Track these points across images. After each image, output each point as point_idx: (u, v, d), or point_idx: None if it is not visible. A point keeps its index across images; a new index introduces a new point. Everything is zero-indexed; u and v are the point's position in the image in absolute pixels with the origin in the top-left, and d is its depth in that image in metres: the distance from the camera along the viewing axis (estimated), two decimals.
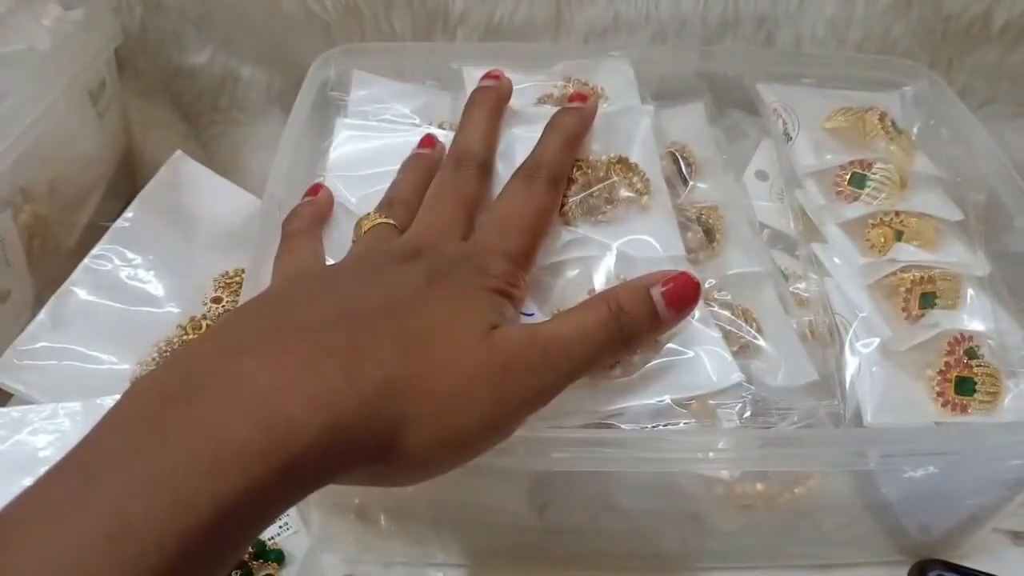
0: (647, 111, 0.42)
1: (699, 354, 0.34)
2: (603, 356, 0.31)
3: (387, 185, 0.38)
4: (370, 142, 0.42)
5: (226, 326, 0.27)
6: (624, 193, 0.38)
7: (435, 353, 0.27)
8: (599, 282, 0.36)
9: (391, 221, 0.35)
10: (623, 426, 0.33)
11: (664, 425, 0.33)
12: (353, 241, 0.35)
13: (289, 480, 0.23)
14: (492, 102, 0.39)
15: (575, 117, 0.38)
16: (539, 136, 0.37)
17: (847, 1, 0.54)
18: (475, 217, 0.35)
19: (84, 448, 0.23)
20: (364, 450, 0.25)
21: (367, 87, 0.46)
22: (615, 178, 0.38)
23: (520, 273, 0.32)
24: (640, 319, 0.31)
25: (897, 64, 0.51)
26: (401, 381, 0.25)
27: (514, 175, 0.35)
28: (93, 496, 0.21)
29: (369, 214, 0.35)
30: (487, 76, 0.41)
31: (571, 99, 0.40)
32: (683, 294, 0.32)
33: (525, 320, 0.33)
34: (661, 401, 0.33)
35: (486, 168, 0.37)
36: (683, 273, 0.32)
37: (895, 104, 0.48)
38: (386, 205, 0.37)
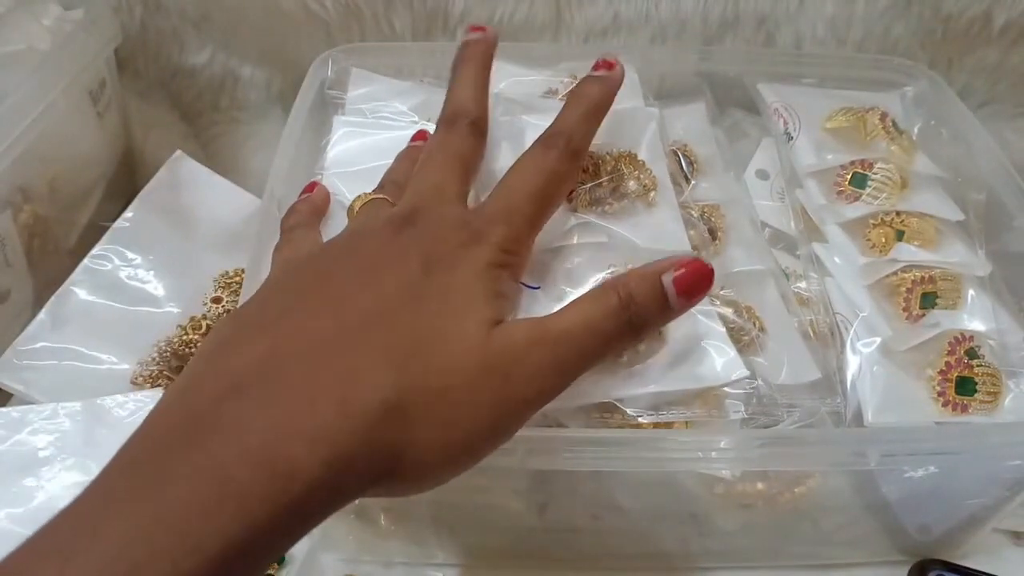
0: (653, 114, 0.42)
1: (705, 347, 0.34)
2: (611, 350, 0.30)
3: None
4: (367, 138, 0.42)
5: (225, 349, 0.27)
6: (632, 186, 0.37)
7: (432, 366, 0.26)
8: (604, 269, 0.35)
9: (383, 196, 0.34)
10: (628, 410, 0.32)
11: (669, 413, 0.33)
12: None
13: (296, 516, 0.23)
14: (480, 57, 0.37)
15: (601, 86, 0.35)
16: (550, 123, 0.35)
17: (847, 1, 0.54)
18: (471, 174, 0.34)
19: (93, 490, 0.23)
20: (368, 475, 0.25)
21: (365, 85, 0.46)
22: (624, 171, 0.37)
23: (521, 238, 0.30)
24: (650, 308, 0.29)
25: (897, 64, 0.51)
26: (399, 402, 0.25)
27: (532, 144, 0.33)
28: (101, 539, 0.21)
29: (361, 195, 0.35)
30: (472, 29, 0.38)
31: (596, 67, 0.36)
32: (695, 281, 0.30)
33: (528, 292, 0.33)
34: (667, 391, 0.33)
35: (479, 125, 0.35)
36: (696, 259, 0.30)
37: (895, 104, 0.48)
38: (378, 187, 0.36)
